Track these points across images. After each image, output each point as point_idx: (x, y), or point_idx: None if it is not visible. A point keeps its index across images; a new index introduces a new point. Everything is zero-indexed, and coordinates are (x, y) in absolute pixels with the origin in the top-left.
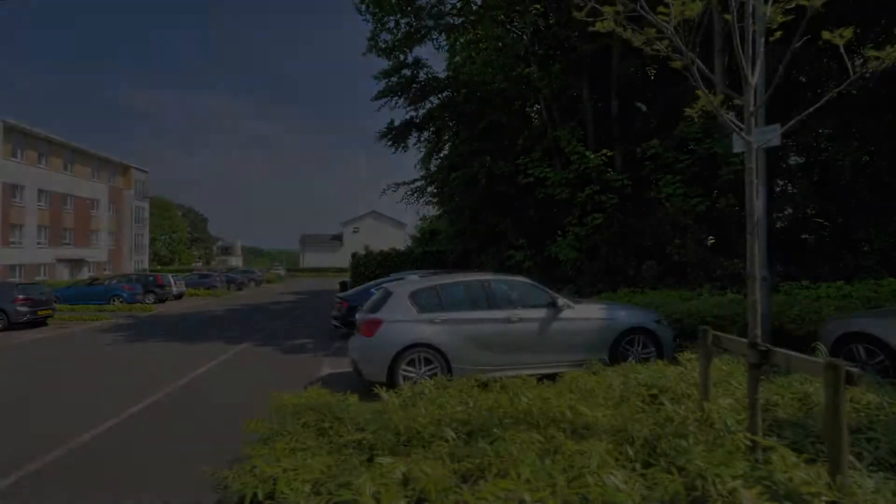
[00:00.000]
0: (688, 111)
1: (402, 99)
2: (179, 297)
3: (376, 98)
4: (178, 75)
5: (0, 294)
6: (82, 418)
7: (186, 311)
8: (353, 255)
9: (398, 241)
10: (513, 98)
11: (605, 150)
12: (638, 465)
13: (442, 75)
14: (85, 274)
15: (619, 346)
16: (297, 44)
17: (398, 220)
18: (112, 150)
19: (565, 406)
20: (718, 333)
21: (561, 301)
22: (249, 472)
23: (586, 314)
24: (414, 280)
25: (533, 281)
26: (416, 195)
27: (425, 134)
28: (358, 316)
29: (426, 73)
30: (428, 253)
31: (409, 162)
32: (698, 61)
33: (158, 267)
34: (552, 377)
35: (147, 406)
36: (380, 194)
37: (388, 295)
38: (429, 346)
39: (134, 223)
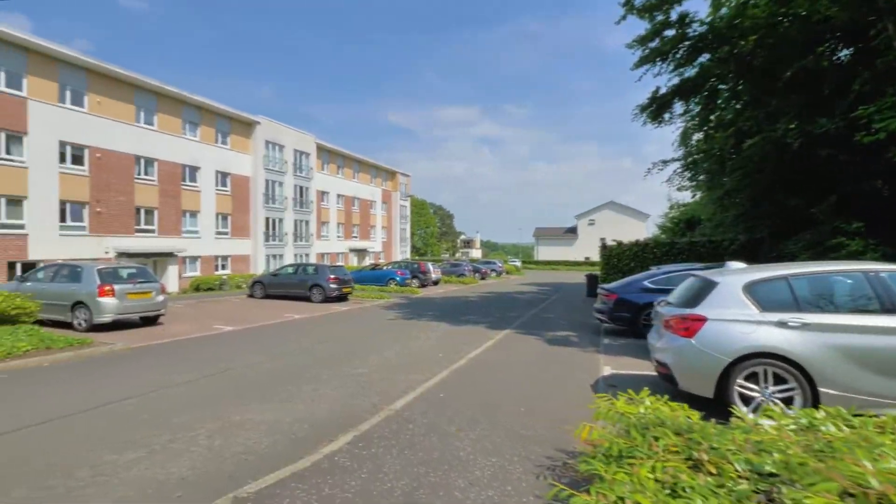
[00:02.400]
0: None
1: (665, 63)
2: (436, 282)
3: (636, 67)
4: (420, 94)
5: (318, 274)
6: (391, 388)
7: (445, 295)
8: (604, 247)
9: (638, 232)
10: (823, 38)
11: None
12: None
13: (717, 25)
14: (366, 261)
15: None
16: (517, 44)
17: (639, 210)
18: (382, 159)
19: None
20: None
21: None
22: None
23: None
24: (744, 268)
25: None
26: (686, 172)
27: (692, 103)
28: (664, 309)
29: (694, 30)
30: (695, 243)
31: (643, 151)
32: None
33: (416, 257)
34: None
35: (438, 382)
36: (644, 175)
37: (709, 285)
38: (780, 357)
39: (399, 219)
